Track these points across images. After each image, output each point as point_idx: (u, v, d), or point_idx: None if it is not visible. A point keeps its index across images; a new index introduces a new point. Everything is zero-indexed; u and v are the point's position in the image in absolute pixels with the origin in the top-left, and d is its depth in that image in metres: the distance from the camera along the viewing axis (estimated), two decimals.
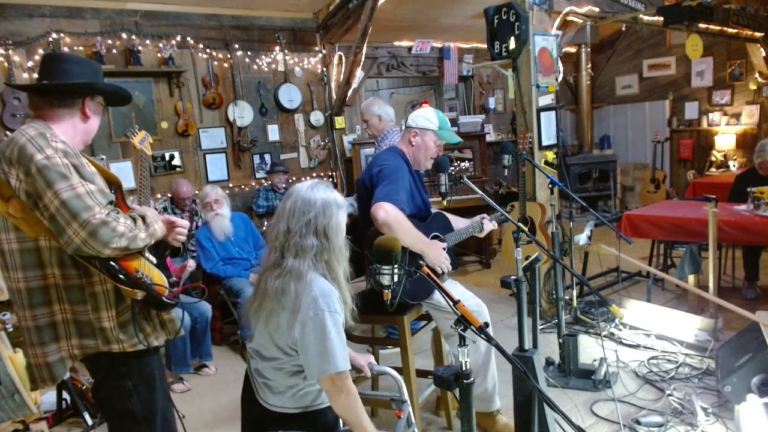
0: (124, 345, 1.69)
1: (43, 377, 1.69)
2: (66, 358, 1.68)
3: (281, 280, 1.67)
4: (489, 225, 2.79)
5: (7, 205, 1.59)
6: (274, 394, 1.75)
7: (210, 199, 4.01)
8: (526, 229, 2.32)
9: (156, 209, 2.52)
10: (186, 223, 1.88)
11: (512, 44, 4.04)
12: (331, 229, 1.73)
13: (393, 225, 2.33)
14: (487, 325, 1.42)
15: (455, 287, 2.60)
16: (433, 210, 2.79)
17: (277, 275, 1.69)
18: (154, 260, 1.78)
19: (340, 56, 6.06)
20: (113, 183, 1.78)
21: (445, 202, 2.64)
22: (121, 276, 1.61)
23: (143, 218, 1.69)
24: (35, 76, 4.37)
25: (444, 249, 2.56)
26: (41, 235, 1.61)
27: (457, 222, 2.84)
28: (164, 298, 1.71)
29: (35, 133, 1.60)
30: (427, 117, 2.66)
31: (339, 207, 1.76)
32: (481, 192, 2.51)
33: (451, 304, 1.47)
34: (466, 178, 2.54)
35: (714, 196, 3.42)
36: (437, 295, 2.47)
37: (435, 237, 2.62)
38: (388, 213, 2.33)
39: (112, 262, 1.60)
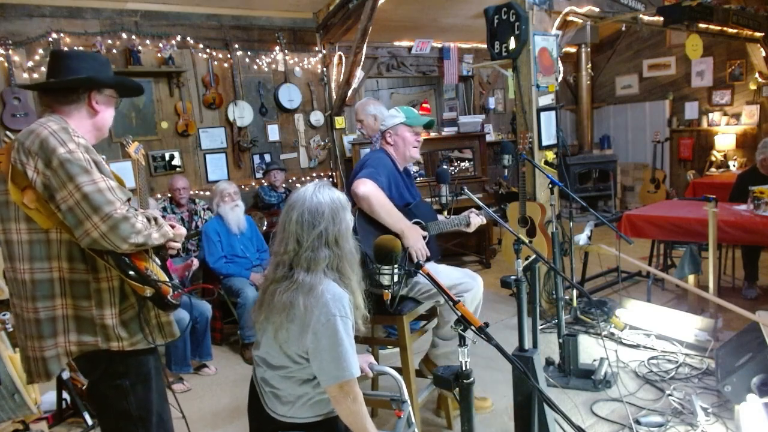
0: (123, 343, 1.69)
1: (38, 372, 1.69)
2: (62, 355, 1.68)
3: (290, 294, 1.63)
4: (477, 219, 2.81)
5: (22, 195, 1.60)
6: (283, 404, 1.71)
7: (231, 190, 4.12)
8: (524, 239, 2.32)
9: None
10: (184, 231, 1.88)
11: (512, 44, 4.04)
12: (342, 235, 1.70)
13: (372, 200, 2.37)
14: (487, 325, 1.42)
15: (444, 269, 2.61)
16: None
17: (286, 288, 1.65)
18: (159, 262, 1.79)
19: (340, 56, 6.05)
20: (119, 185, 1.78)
21: (446, 213, 2.66)
22: (132, 272, 1.63)
23: (156, 219, 1.71)
24: (35, 75, 4.42)
25: (425, 237, 2.58)
26: (53, 227, 1.62)
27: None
28: (168, 299, 1.72)
29: (58, 127, 1.61)
30: (392, 114, 2.77)
31: (345, 209, 1.74)
32: (484, 205, 2.52)
33: (451, 304, 1.47)
34: (467, 190, 2.55)
35: (714, 196, 3.42)
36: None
37: (416, 224, 2.63)
38: (368, 188, 2.38)
39: (125, 258, 1.62)
